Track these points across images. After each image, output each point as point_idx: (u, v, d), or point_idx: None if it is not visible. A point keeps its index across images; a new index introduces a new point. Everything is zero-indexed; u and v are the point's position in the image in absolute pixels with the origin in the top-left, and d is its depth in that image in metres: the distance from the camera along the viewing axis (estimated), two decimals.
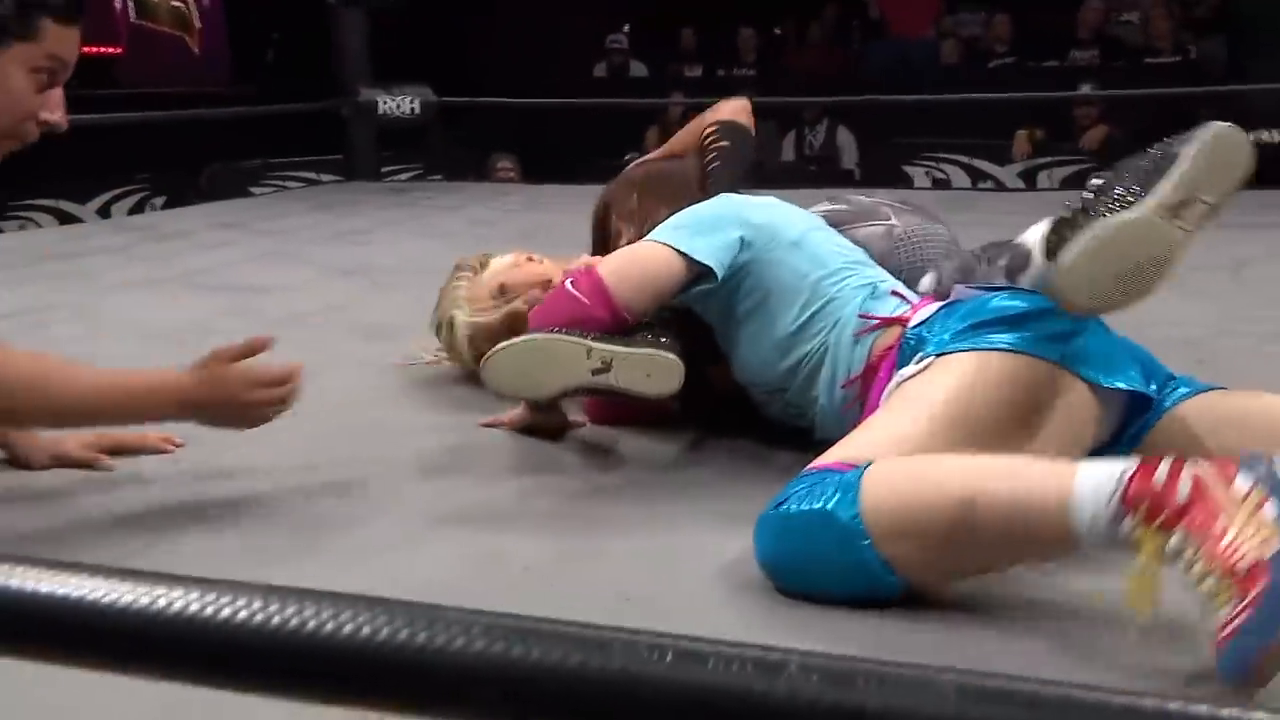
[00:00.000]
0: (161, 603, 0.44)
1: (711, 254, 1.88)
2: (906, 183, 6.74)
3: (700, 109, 2.67)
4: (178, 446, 2.08)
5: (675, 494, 1.89)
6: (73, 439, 2.01)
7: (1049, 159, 6.86)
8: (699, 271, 1.90)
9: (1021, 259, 1.73)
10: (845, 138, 7.70)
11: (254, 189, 6.00)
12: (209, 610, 0.42)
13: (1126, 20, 7.73)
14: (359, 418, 2.28)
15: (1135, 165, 1.63)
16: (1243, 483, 1.26)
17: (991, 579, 1.50)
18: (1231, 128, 1.65)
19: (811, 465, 1.56)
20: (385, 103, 5.28)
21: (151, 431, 2.07)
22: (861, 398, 1.78)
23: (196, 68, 8.34)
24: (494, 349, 1.97)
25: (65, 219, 5.13)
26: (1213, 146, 1.61)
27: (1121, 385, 1.61)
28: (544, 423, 2.15)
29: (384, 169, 5.79)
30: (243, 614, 0.42)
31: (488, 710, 0.39)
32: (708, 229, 1.91)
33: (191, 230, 4.43)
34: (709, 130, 2.46)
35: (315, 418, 2.23)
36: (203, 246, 4.09)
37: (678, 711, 0.35)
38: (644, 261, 1.93)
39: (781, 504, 1.49)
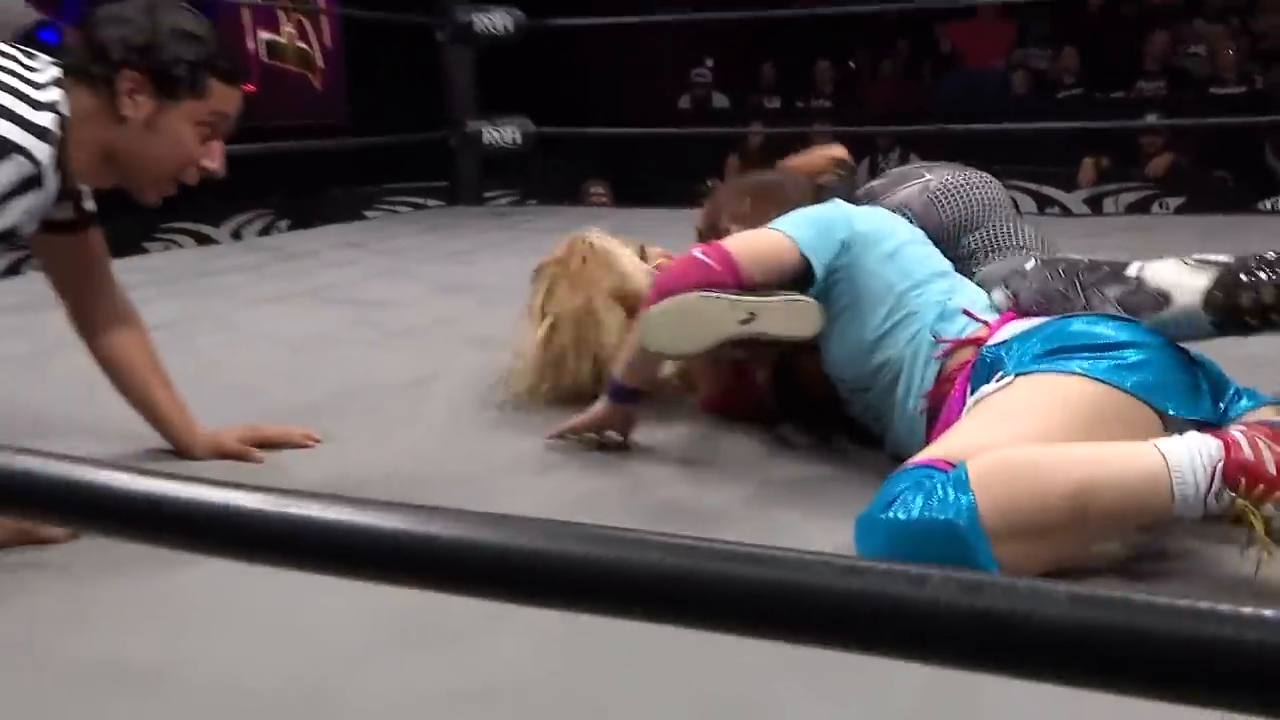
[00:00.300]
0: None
1: (816, 249, 1.92)
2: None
3: (779, 139, 2.75)
4: (316, 442, 2.18)
5: (766, 492, 1.91)
6: (227, 433, 2.12)
7: (1114, 185, 6.77)
8: (806, 265, 1.93)
9: (1151, 299, 1.73)
10: (915, 162, 7.66)
11: (368, 213, 6.12)
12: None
13: (1194, 52, 7.51)
14: (469, 419, 2.35)
15: None
16: None
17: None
18: None
19: (911, 461, 1.57)
20: (489, 133, 5.36)
21: (296, 428, 2.19)
22: (932, 409, 1.80)
23: (318, 102, 8.51)
24: (648, 313, 2.00)
25: (202, 240, 5.27)
26: None
27: (1195, 417, 1.62)
28: (619, 420, 2.13)
29: (485, 194, 5.87)
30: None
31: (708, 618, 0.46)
32: (819, 226, 1.96)
33: (315, 250, 4.57)
34: (826, 160, 2.53)
35: (430, 419, 2.36)
36: (326, 265, 4.23)
37: (847, 615, 0.41)
38: (764, 242, 1.98)
39: (890, 506, 1.48)
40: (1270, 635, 0.35)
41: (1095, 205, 6.70)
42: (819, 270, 1.92)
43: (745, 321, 1.97)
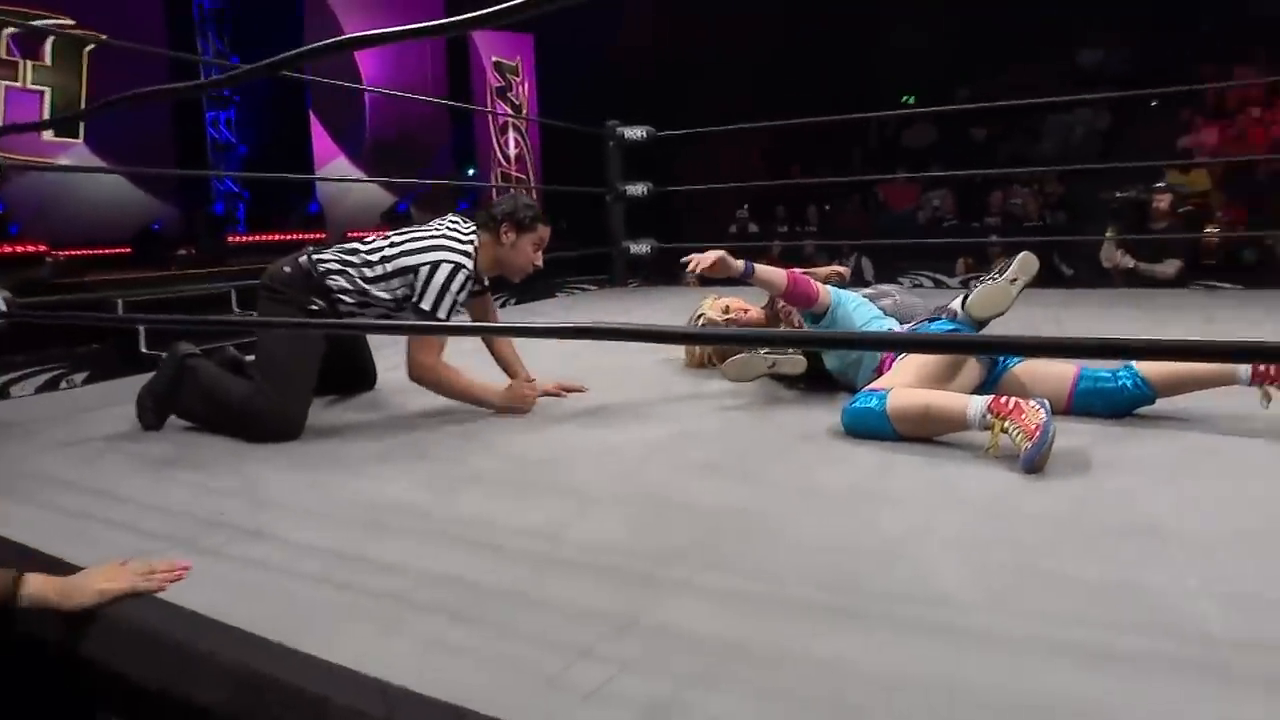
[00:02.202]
0: None
1: (831, 298, 2.26)
2: (898, 285, 7.12)
3: (788, 251, 3.04)
4: (586, 390, 2.45)
5: (805, 406, 2.23)
6: (544, 383, 2.39)
7: (975, 275, 7.16)
8: (825, 306, 2.24)
9: (950, 313, 2.08)
10: (866, 263, 8.00)
11: (557, 294, 6.48)
12: None
13: (1016, 201, 7.93)
14: (649, 381, 2.62)
15: (997, 268, 2.04)
16: (1034, 403, 1.66)
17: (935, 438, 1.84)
18: (1030, 254, 2.03)
19: (867, 386, 1.93)
20: (632, 248, 5.69)
21: (577, 382, 2.44)
22: (879, 374, 2.09)
23: None
24: (728, 362, 2.31)
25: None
26: (1024, 259, 2.04)
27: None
28: (726, 267, 2.18)
29: (629, 280, 6.12)
30: None
31: None
32: (832, 292, 2.29)
33: (543, 310, 4.97)
34: (834, 273, 2.83)
35: (634, 380, 2.63)
36: (545, 316, 4.60)
37: None
38: (824, 289, 2.27)
39: (855, 402, 1.88)
40: None
41: (965, 285, 7.09)
42: (830, 305, 2.24)
43: (771, 366, 2.30)
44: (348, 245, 2.33)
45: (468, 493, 1.68)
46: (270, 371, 2.15)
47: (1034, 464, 1.61)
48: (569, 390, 2.52)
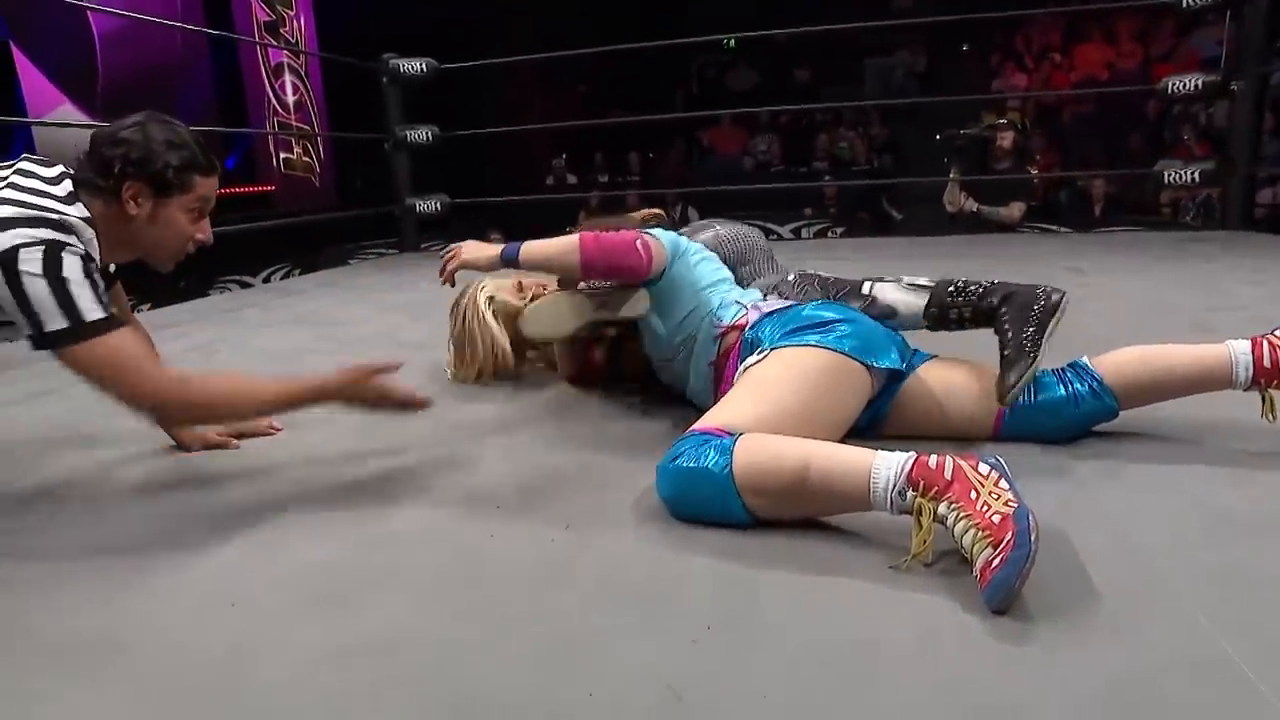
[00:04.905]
0: None
1: (667, 245, 1.55)
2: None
3: (608, 202, 2.38)
4: (279, 430, 1.72)
5: (605, 442, 1.56)
6: (213, 428, 1.66)
7: (806, 221, 6.70)
8: (662, 268, 1.55)
9: (883, 310, 1.52)
10: (692, 213, 7.39)
11: (351, 260, 5.56)
12: None
13: (844, 145, 7.58)
14: (355, 438, 1.87)
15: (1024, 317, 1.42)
16: (984, 468, 1.04)
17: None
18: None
19: (695, 427, 1.23)
20: (421, 205, 4.83)
21: (263, 420, 1.71)
22: (717, 375, 1.48)
23: (317, 194, 7.82)
24: (532, 304, 1.63)
25: (245, 286, 4.64)
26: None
27: (887, 365, 1.35)
28: (489, 262, 1.61)
29: (422, 244, 5.29)
30: None
31: None
32: (668, 237, 1.58)
33: (305, 289, 3.94)
34: (653, 215, 2.18)
35: (336, 429, 1.84)
36: (310, 298, 3.61)
37: None
38: (651, 239, 1.54)
39: (676, 459, 1.18)
40: None
41: (796, 233, 6.56)
42: (669, 254, 1.54)
43: (598, 309, 1.59)
44: None
45: None
46: None
47: (1008, 597, 0.94)
48: (244, 435, 1.72)
